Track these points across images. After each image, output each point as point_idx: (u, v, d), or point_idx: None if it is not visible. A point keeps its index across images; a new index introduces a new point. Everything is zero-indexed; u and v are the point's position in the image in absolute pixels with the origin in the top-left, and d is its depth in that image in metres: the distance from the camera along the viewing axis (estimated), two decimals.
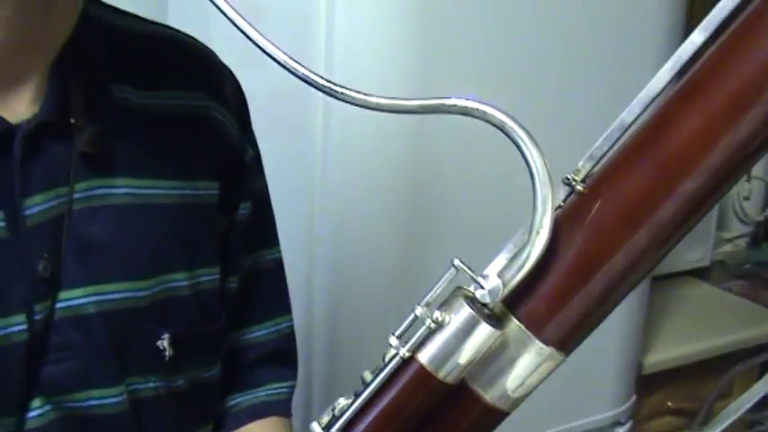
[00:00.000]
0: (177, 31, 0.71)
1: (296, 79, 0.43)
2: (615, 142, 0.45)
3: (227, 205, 0.71)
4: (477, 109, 0.42)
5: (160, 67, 0.67)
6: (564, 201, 0.45)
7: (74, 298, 0.59)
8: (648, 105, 0.44)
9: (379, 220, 1.17)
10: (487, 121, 0.42)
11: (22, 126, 0.56)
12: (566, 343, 0.44)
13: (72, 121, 0.59)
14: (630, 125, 0.44)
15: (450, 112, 0.43)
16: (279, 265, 0.79)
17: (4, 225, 0.56)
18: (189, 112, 0.68)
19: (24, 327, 0.57)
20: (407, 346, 0.43)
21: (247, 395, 0.77)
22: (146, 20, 0.69)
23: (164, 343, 0.64)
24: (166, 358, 0.64)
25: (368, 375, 0.45)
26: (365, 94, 0.43)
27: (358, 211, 1.16)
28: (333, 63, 1.11)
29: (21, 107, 0.57)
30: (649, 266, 0.45)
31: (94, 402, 0.60)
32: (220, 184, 0.69)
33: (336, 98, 0.43)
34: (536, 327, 0.44)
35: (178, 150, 0.67)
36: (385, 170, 1.16)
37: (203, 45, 0.72)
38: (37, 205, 0.57)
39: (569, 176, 0.45)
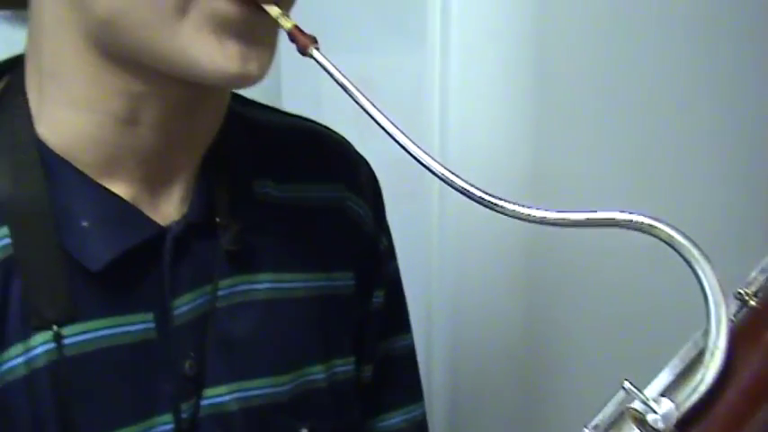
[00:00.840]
0: (314, 122, 0.72)
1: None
2: None
3: (362, 294, 0.70)
4: (644, 223, 0.41)
5: (300, 160, 0.68)
6: (735, 315, 0.43)
7: (218, 395, 0.59)
8: None
9: (497, 294, 1.15)
10: (655, 236, 0.41)
11: (172, 228, 0.57)
12: None
13: (217, 220, 0.59)
14: None
15: (617, 226, 0.41)
16: (411, 351, 0.78)
17: (154, 326, 0.56)
18: (327, 204, 0.68)
19: (171, 426, 0.57)
20: None
21: None
22: (285, 113, 0.70)
23: None
24: None
25: None
26: (528, 207, 0.42)
27: (476, 284, 1.15)
28: (447, 142, 1.12)
29: (170, 208, 0.58)
30: None
31: None
32: (355, 274, 0.69)
33: (500, 212, 0.42)
34: None
35: (316, 242, 0.67)
36: (503, 242, 1.14)
37: (340, 136, 0.72)
38: (185, 305, 0.58)
39: (741, 291, 0.43)
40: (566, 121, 1.13)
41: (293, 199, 0.66)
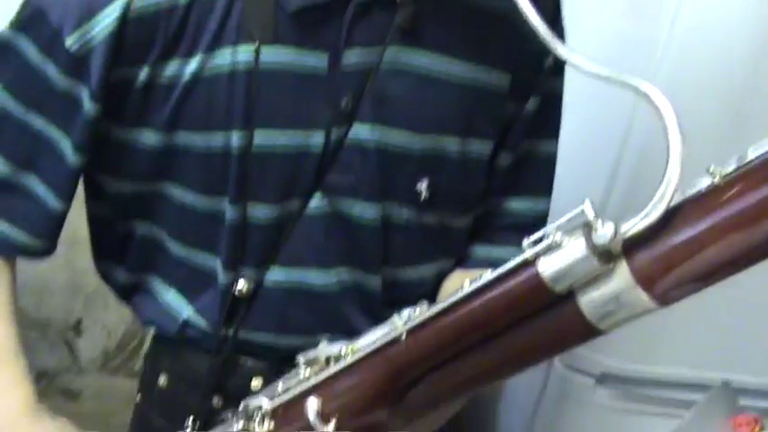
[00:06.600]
0: None
1: None
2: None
3: (518, 96, 0.84)
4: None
5: None
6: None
7: (361, 132, 0.77)
8: None
9: None
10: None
11: None
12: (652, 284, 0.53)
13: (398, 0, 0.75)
14: None
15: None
16: (552, 157, 0.89)
17: (326, 65, 0.75)
18: (502, 12, 0.79)
19: (322, 141, 0.77)
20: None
21: (489, 248, 0.90)
22: None
23: (422, 186, 0.80)
24: (421, 199, 0.81)
25: None
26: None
27: None
28: None
29: None
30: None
31: (357, 211, 0.79)
32: (513, 77, 0.82)
33: None
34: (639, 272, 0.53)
35: (483, 40, 0.80)
36: None
37: None
38: (354, 55, 0.75)
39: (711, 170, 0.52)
40: None
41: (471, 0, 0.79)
